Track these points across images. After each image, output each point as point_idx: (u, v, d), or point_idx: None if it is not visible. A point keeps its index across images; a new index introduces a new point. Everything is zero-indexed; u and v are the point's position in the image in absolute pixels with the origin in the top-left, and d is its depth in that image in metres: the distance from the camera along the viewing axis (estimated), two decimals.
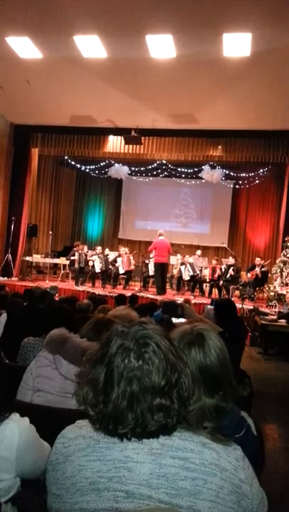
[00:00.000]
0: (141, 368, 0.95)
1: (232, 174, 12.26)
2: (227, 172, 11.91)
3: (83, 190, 15.35)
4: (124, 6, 6.75)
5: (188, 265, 10.45)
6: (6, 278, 10.61)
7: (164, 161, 11.63)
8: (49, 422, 1.59)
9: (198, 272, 10.59)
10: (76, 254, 10.36)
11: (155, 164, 11.94)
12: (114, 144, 10.81)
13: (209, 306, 6.90)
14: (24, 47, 8.02)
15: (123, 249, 11.01)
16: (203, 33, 7.12)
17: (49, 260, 11.91)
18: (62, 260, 11.63)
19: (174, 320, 4.06)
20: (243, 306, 8.76)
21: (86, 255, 10.63)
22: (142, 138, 10.08)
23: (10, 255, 10.88)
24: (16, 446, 1.39)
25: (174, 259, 11.22)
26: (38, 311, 3.92)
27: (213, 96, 8.67)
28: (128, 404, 0.93)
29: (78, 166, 12.99)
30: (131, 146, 10.43)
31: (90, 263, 10.59)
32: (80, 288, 10.10)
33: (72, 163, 12.82)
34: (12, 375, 2.45)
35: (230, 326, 3.42)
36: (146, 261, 10.82)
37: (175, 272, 11.01)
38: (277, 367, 6.76)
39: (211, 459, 0.97)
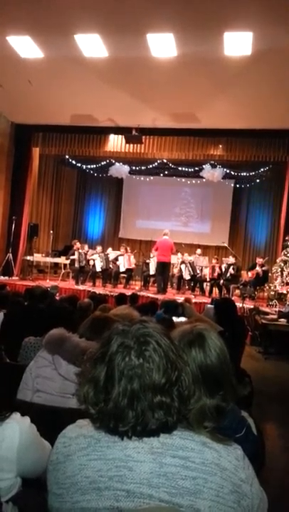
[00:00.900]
0: (141, 365, 0.95)
1: (233, 173, 12.24)
2: (228, 171, 11.88)
3: (84, 189, 15.34)
4: (125, 4, 6.72)
5: (188, 264, 10.45)
6: (6, 277, 10.61)
7: (165, 160, 11.63)
8: (50, 422, 1.59)
9: (198, 271, 10.59)
10: (76, 253, 10.36)
11: (156, 163, 11.93)
12: (115, 143, 10.81)
13: (209, 306, 6.93)
14: (25, 46, 8.00)
15: (123, 249, 11.02)
16: (204, 32, 7.09)
17: (50, 259, 11.92)
18: (62, 259, 11.63)
19: (175, 319, 4.07)
20: (244, 305, 8.77)
21: (86, 254, 10.63)
22: (143, 137, 10.08)
23: (11, 254, 10.88)
24: (17, 445, 1.39)
25: (175, 258, 11.22)
26: (39, 310, 3.92)
27: (214, 95, 8.66)
28: (129, 402, 0.94)
29: (79, 165, 13.00)
30: (132, 145, 10.44)
31: (91, 262, 10.60)
32: (81, 287, 10.11)
33: (73, 162, 12.83)
34: (13, 374, 2.45)
35: (230, 325, 3.43)
36: (147, 260, 10.82)
37: (176, 271, 11.01)
38: (278, 366, 6.75)
39: (211, 459, 0.98)
